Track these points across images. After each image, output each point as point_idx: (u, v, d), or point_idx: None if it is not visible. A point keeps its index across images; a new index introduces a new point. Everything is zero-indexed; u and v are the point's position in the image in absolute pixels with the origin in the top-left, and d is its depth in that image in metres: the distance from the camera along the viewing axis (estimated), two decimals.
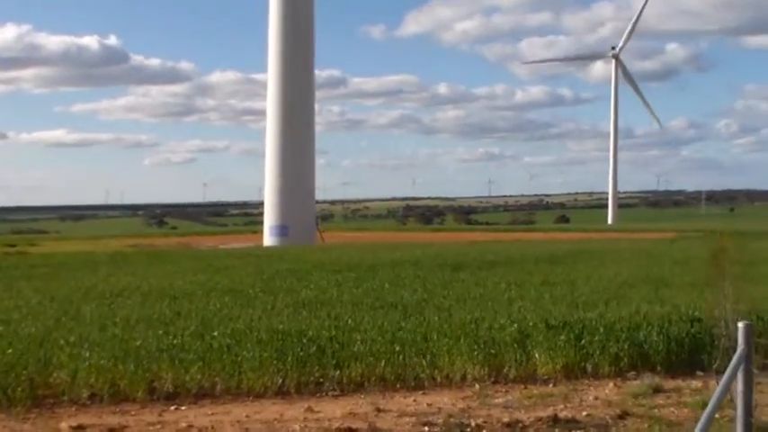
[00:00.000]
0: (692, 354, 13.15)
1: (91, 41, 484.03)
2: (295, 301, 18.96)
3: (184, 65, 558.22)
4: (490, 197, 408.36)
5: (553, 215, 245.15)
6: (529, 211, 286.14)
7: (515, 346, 13.07)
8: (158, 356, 12.33)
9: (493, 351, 12.94)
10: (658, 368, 12.85)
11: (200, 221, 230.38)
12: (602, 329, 13.36)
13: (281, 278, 25.28)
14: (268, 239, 63.22)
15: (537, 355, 12.88)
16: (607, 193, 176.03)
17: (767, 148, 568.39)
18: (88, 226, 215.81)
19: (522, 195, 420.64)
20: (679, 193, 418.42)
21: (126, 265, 33.68)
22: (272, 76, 64.02)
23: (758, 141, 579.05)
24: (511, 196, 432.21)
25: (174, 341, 13.18)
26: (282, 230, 63.05)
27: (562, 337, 13.13)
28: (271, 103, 64.37)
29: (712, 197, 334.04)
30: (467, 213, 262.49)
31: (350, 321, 14.89)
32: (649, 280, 23.40)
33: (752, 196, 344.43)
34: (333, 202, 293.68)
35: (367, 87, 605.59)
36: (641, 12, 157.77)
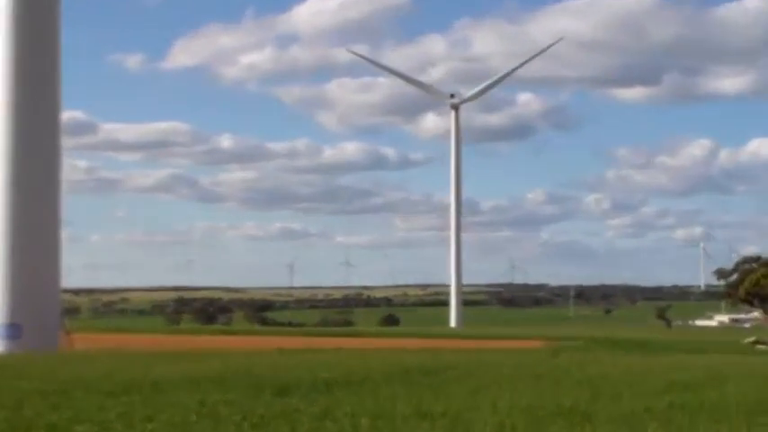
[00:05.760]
0: None
1: None
2: None
3: None
4: (291, 288, 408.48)
5: (377, 314, 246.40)
6: (344, 308, 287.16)
7: None
8: None
9: None
10: None
11: None
12: None
13: (31, 406, 22.76)
14: None
15: None
16: (446, 286, 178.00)
17: (646, 233, 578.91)
18: None
19: (335, 287, 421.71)
20: (539, 288, 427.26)
21: None
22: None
23: (637, 223, 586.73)
24: (319, 288, 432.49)
25: None
26: (14, 332, 59.69)
27: None
28: None
29: (582, 294, 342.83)
30: (261, 310, 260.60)
31: None
32: (561, 412, 22.25)
33: (631, 293, 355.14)
34: (78, 292, 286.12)
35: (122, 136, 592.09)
36: (512, 71, 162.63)
